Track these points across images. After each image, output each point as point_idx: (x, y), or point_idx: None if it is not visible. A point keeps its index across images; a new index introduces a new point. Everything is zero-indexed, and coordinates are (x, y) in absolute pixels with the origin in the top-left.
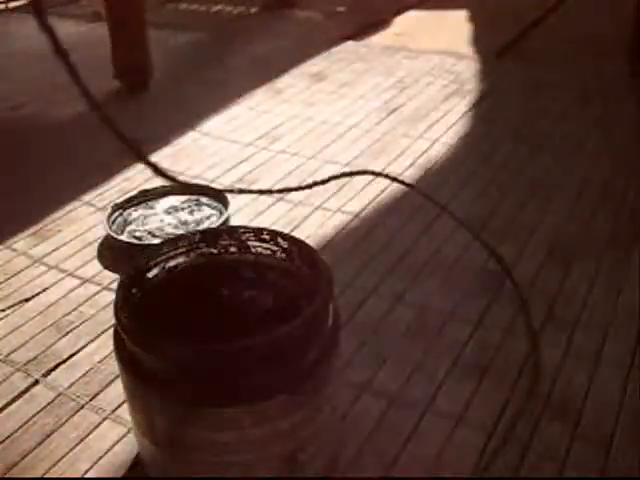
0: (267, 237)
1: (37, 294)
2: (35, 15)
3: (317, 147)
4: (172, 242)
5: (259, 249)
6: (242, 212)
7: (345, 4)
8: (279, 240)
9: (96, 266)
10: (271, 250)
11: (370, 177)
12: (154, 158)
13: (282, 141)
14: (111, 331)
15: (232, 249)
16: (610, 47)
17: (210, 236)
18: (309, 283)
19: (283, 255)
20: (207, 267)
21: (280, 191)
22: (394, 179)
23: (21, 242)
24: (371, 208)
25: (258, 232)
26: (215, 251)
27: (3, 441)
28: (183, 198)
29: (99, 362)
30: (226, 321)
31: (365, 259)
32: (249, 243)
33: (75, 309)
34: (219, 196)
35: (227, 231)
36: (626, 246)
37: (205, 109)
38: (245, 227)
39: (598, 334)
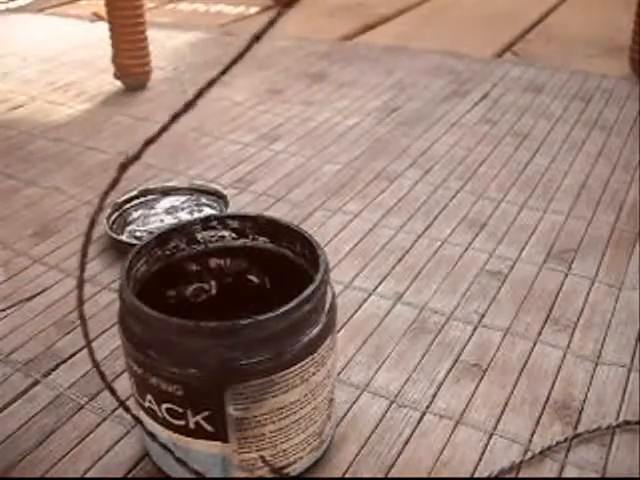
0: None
1: (37, 294)
2: None
3: (317, 147)
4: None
5: (256, 237)
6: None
7: (345, 3)
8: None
9: (96, 266)
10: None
11: (370, 177)
12: (154, 158)
13: (282, 141)
14: (111, 331)
15: (226, 235)
16: (611, 47)
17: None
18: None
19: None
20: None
21: None
22: None
23: (21, 242)
24: (371, 208)
25: (254, 219)
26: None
27: (3, 441)
28: (183, 198)
29: (99, 362)
30: (228, 301)
31: (365, 259)
32: (247, 231)
33: (75, 309)
34: (219, 196)
35: (222, 218)
36: (626, 246)
37: (205, 109)
38: (245, 215)
39: (598, 334)
